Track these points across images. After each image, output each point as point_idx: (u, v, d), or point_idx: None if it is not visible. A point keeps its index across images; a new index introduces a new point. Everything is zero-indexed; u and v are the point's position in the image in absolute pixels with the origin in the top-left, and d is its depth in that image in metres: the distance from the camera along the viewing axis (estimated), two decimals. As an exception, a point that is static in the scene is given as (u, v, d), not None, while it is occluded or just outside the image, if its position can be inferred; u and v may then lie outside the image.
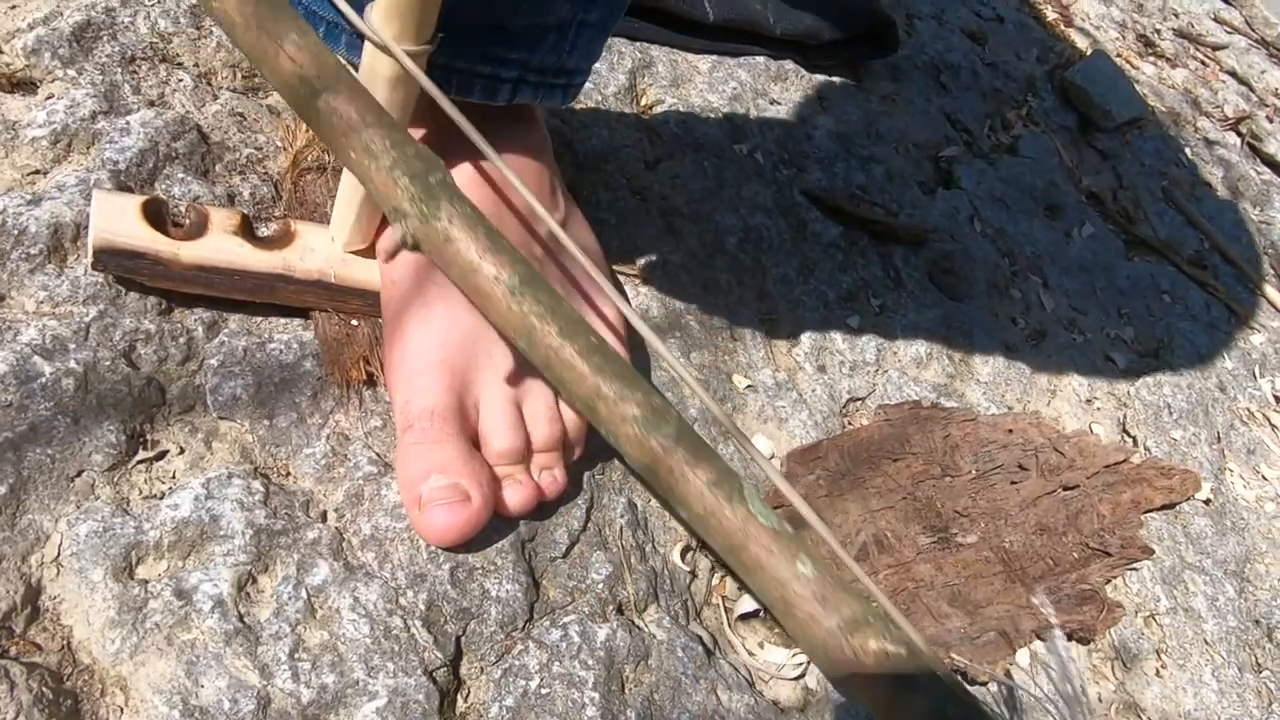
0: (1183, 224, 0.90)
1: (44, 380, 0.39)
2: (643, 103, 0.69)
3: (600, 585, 0.44)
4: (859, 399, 0.59)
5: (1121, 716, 0.53)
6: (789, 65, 0.78)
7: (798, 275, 0.63)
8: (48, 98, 0.49)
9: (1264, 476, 0.71)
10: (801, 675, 0.47)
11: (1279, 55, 1.27)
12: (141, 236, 0.42)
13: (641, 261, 0.58)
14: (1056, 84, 0.96)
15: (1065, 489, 0.58)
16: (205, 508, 0.39)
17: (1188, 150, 0.99)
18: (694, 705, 0.42)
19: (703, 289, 0.59)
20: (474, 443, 0.43)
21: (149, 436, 0.41)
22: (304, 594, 0.38)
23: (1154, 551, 0.60)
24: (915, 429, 0.57)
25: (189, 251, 0.43)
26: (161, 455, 0.40)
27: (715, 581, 0.49)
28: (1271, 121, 1.11)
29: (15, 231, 0.43)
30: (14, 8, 0.51)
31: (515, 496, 0.42)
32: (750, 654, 0.47)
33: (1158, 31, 1.17)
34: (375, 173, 0.34)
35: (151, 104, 0.50)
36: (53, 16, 0.51)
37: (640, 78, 0.70)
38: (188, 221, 0.44)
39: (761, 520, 0.31)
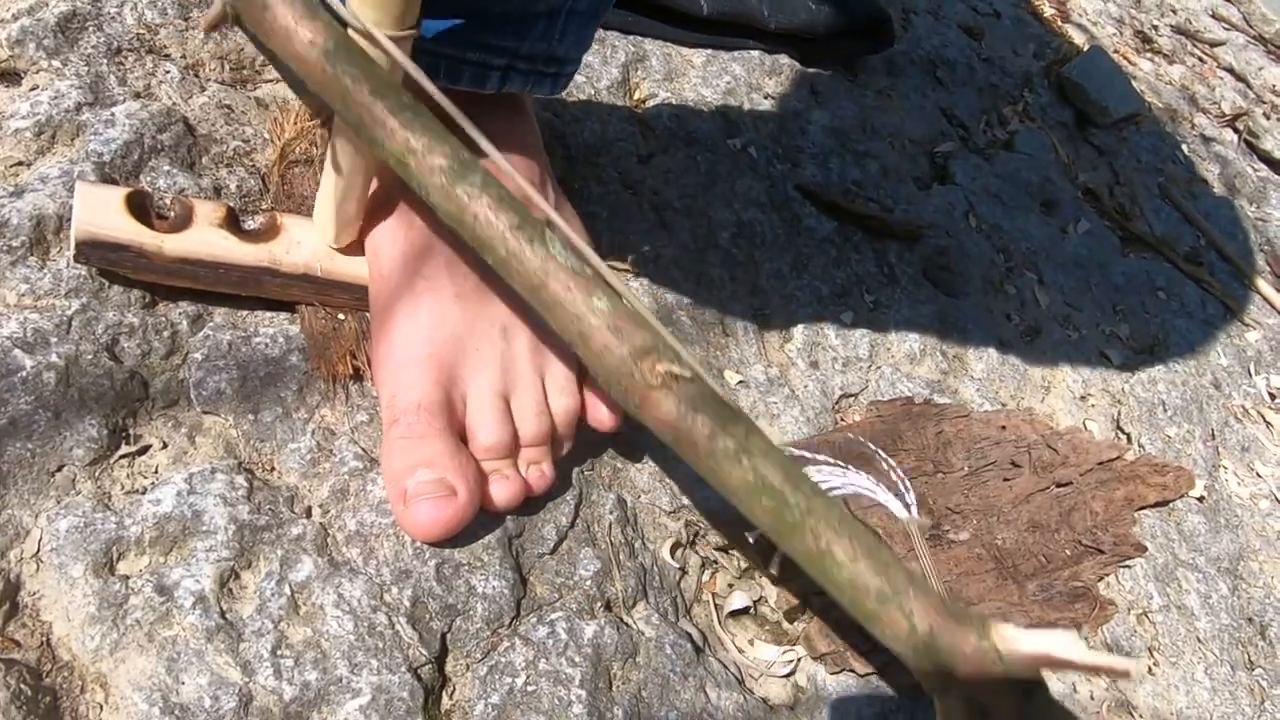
0: (1179, 221, 0.90)
1: (25, 374, 0.39)
2: (636, 96, 0.69)
3: (588, 582, 0.44)
4: (852, 395, 0.59)
5: (1114, 715, 0.53)
6: (784, 60, 0.78)
7: (791, 271, 0.63)
8: (32, 89, 0.48)
9: (1258, 474, 0.71)
10: (791, 673, 0.47)
11: (1277, 52, 1.26)
12: (125, 229, 0.41)
13: (633, 256, 0.58)
14: (1053, 80, 0.96)
15: (1058, 486, 0.58)
16: (188, 503, 0.38)
17: (1184, 147, 0.99)
18: (682, 703, 0.42)
19: (695, 284, 0.59)
20: (461, 437, 0.43)
21: (131, 431, 0.40)
22: (287, 590, 0.38)
23: (1147, 549, 0.60)
24: (908, 425, 0.57)
25: (173, 244, 0.42)
26: (144, 450, 0.40)
27: (705, 579, 0.49)
28: (1269, 118, 1.11)
29: (-3, 223, 0.42)
30: (-2, -2, 0.51)
31: (502, 492, 0.42)
32: (740, 651, 0.47)
33: (1155, 27, 1.17)
34: None
35: (137, 95, 0.50)
36: (38, 6, 0.50)
37: (633, 71, 0.70)
38: (172, 214, 0.44)
39: (560, 260, 0.34)
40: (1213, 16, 1.27)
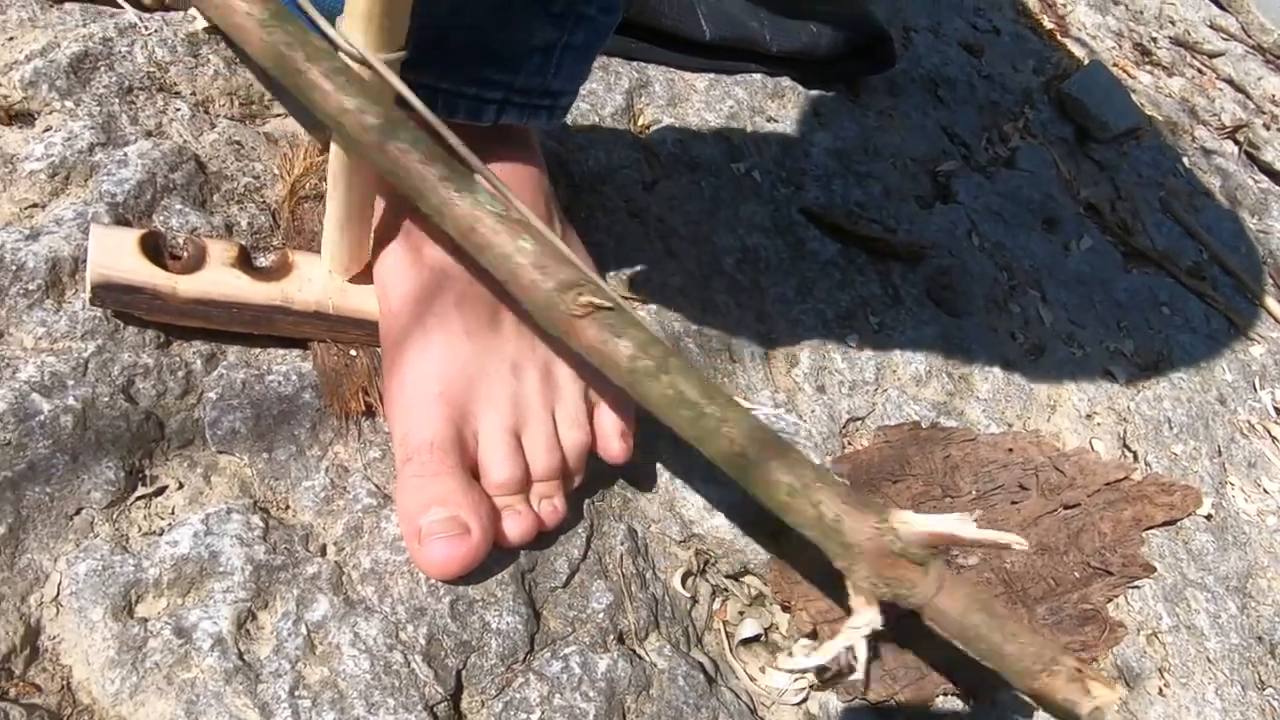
0: (1181, 235, 0.90)
1: (42, 418, 0.39)
2: (640, 122, 0.69)
3: (601, 615, 0.44)
4: (859, 419, 0.59)
5: (1125, 737, 0.53)
6: (786, 82, 0.78)
7: (796, 294, 0.63)
8: (45, 130, 0.49)
9: (1265, 490, 0.71)
10: (804, 701, 0.47)
11: (1275, 61, 1.27)
12: (140, 271, 0.42)
13: (639, 284, 0.58)
14: (1053, 95, 0.96)
15: (1066, 508, 0.58)
16: (204, 544, 0.39)
17: (1185, 160, 0.99)
18: (696, 735, 0.42)
19: (701, 310, 0.59)
20: (473, 473, 0.43)
21: (148, 472, 0.41)
22: (304, 630, 0.38)
23: (1155, 569, 0.60)
24: (915, 450, 0.57)
25: (187, 285, 0.43)
26: (160, 491, 0.40)
27: (716, 607, 0.49)
28: (1269, 129, 1.11)
29: (13, 267, 0.43)
30: (11, 39, 0.51)
31: (515, 527, 0.42)
32: (751, 679, 0.47)
33: (1154, 40, 1.17)
34: None
35: (149, 134, 0.50)
36: (50, 48, 0.51)
37: (637, 97, 0.70)
38: (186, 254, 0.44)
39: (489, 208, 0.37)
40: (1211, 27, 1.27)
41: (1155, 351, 0.77)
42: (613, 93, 0.69)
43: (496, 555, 0.43)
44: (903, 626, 0.50)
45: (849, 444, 0.58)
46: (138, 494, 0.40)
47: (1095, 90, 0.94)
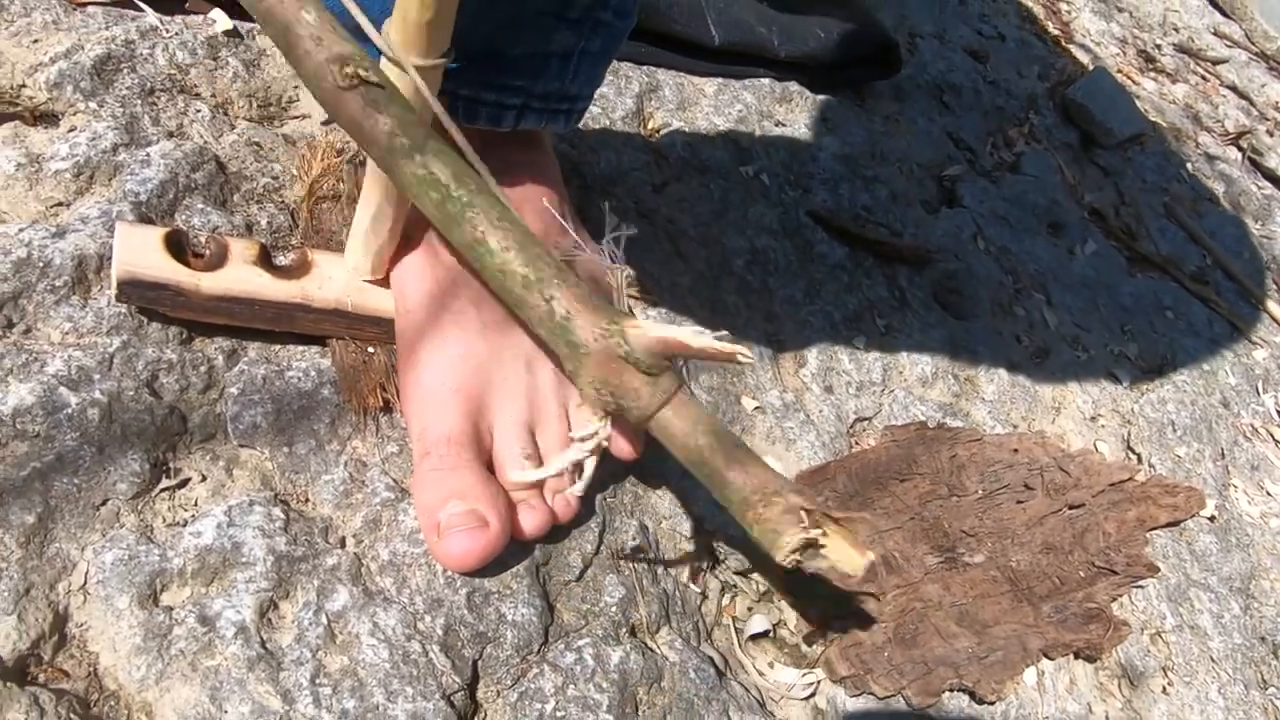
0: (1185, 240, 0.91)
1: (70, 411, 0.40)
2: (650, 126, 0.70)
3: (613, 608, 0.45)
4: (866, 419, 0.60)
5: (1129, 734, 0.53)
6: (794, 87, 0.79)
7: (804, 296, 0.64)
8: (70, 130, 0.50)
9: (1268, 492, 0.72)
10: (812, 695, 0.48)
11: (1279, 68, 1.27)
12: (164, 268, 0.43)
13: (649, 285, 0.59)
14: (1058, 101, 0.97)
15: (1071, 508, 0.59)
16: (227, 535, 0.40)
17: (1189, 166, 1.00)
18: (706, 727, 0.43)
19: (710, 311, 0.60)
20: (489, 467, 0.44)
21: (172, 465, 0.42)
22: (324, 620, 0.39)
23: (1159, 569, 0.61)
24: (922, 449, 0.58)
25: (210, 282, 0.43)
26: (184, 483, 0.41)
27: (725, 602, 0.50)
28: (1272, 135, 1.12)
29: (40, 264, 0.44)
30: (36, 42, 0.52)
31: (531, 521, 0.43)
32: (760, 674, 0.48)
33: (1158, 46, 1.18)
34: None
35: (171, 135, 0.51)
36: (74, 50, 0.52)
37: (647, 101, 0.71)
38: (208, 252, 0.45)
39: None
40: (1214, 34, 1.28)
41: (1159, 355, 0.78)
42: (623, 96, 0.70)
43: (512, 548, 0.43)
44: (909, 623, 0.51)
45: (856, 443, 0.59)
46: (162, 486, 0.41)
47: (1100, 96, 0.95)
